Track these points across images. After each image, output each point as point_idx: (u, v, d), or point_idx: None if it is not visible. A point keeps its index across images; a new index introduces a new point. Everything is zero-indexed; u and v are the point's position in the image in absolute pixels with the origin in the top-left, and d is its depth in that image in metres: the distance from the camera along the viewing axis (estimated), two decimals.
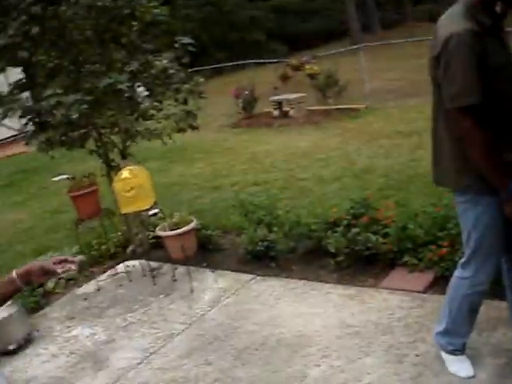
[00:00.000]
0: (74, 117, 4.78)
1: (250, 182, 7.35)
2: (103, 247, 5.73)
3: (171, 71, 5.33)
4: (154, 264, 5.13)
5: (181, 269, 4.96)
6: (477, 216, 2.73)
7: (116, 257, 5.63)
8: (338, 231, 4.48)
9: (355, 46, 14.10)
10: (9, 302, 4.36)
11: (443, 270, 3.89)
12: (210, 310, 4.29)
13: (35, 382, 3.95)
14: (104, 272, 5.39)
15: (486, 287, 2.86)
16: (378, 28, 29.37)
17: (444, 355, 3.09)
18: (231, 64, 17.62)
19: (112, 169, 5.42)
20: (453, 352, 3.05)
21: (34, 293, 5.14)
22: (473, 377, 2.98)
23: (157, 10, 5.34)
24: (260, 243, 4.77)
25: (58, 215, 7.71)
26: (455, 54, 2.50)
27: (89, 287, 5.21)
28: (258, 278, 4.61)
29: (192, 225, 4.79)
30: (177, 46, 5.38)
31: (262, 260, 4.80)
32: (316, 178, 7.05)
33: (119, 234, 5.62)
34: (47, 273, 2.05)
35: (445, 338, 3.05)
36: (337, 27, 29.14)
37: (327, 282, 4.30)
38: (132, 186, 4.60)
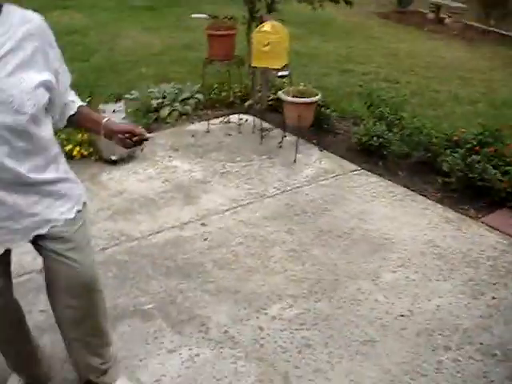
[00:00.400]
0: None
1: (381, 76, 7.06)
2: (223, 94, 5.77)
3: None
4: (266, 124, 5.14)
5: (290, 138, 4.94)
6: None
7: (232, 107, 5.66)
8: (458, 152, 4.28)
9: None
10: (122, 115, 4.57)
11: None
12: (306, 185, 4.30)
13: (127, 194, 4.18)
14: (217, 117, 5.45)
15: None
16: None
17: None
18: None
19: (254, 19, 5.32)
20: None
21: (147, 115, 5.32)
22: None
23: None
24: (375, 138, 4.64)
25: (188, 50, 7.77)
26: None
27: (199, 127, 5.32)
28: (362, 170, 4.54)
29: (315, 98, 4.69)
30: None
31: (372, 155, 4.70)
32: (451, 94, 6.66)
33: (242, 85, 5.60)
34: (133, 135, 2.09)
35: None
36: None
37: (428, 198, 4.18)
38: (270, 40, 4.50)
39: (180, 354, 2.72)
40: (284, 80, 5.50)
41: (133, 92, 5.75)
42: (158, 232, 3.70)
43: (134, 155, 4.69)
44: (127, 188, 4.26)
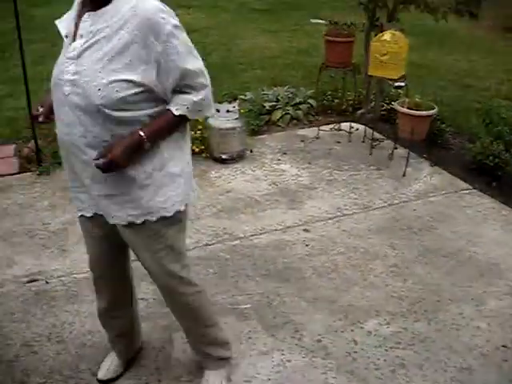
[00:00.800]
0: None
1: (502, 93, 6.74)
2: (336, 100, 5.74)
3: None
4: (377, 135, 5.06)
5: (401, 150, 4.83)
6: None
7: (344, 114, 5.62)
8: None
9: None
10: (236, 116, 4.66)
11: None
12: (413, 200, 4.19)
13: (233, 193, 4.26)
14: (327, 124, 5.43)
15: None
16: None
17: None
18: None
19: (373, 28, 5.25)
20: None
21: (260, 117, 5.39)
22: None
23: None
24: (491, 158, 4.44)
25: (304, 55, 7.79)
26: None
27: (309, 132, 5.33)
28: (474, 190, 4.35)
29: (431, 112, 4.55)
30: None
31: (486, 175, 4.50)
32: None
33: (356, 93, 5.55)
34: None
35: None
36: None
37: None
38: (388, 50, 4.42)
39: (272, 357, 2.74)
40: (399, 91, 5.40)
41: (247, 93, 5.84)
42: (260, 233, 3.74)
43: (244, 155, 4.77)
44: (234, 187, 4.34)
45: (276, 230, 3.79)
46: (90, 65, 1.83)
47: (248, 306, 3.07)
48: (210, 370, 2.52)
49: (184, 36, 1.92)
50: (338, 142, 5.13)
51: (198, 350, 2.52)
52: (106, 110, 1.82)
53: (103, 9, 1.85)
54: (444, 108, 5.55)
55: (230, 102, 4.68)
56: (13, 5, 4.19)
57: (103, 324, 2.52)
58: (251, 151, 4.86)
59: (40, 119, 2.12)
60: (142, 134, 1.89)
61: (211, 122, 4.65)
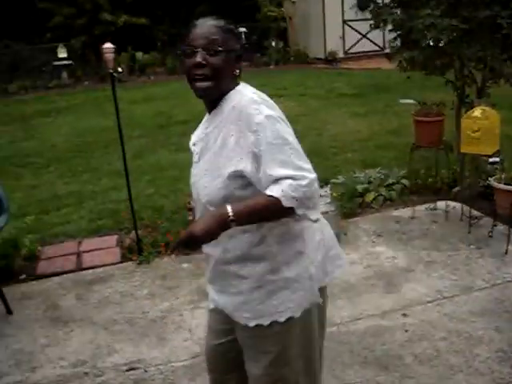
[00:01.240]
0: (442, 41, 4.67)
1: None
2: (430, 179, 5.65)
3: None
4: (474, 212, 4.90)
5: (501, 227, 4.65)
6: None
7: (439, 193, 5.51)
8: None
9: None
10: (328, 200, 4.68)
11: None
12: None
13: None
14: (422, 204, 5.34)
15: None
16: None
17: None
18: None
19: (463, 104, 5.21)
20: None
21: (352, 200, 5.39)
22: None
23: None
24: None
25: (394, 136, 7.81)
26: None
27: (404, 212, 5.25)
28: None
29: None
30: None
31: None
32: None
33: (449, 171, 5.46)
34: None
35: None
36: None
37: None
38: (480, 126, 4.36)
39: None
40: (495, 166, 5.26)
41: (339, 177, 5.89)
42: (357, 319, 3.66)
43: (339, 239, 4.73)
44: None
45: (373, 315, 3.70)
46: (202, 165, 1.98)
47: None
48: None
49: (278, 127, 1.83)
50: (435, 222, 5.01)
51: None
52: (211, 208, 1.91)
53: (214, 111, 1.98)
54: None
55: (322, 187, 4.73)
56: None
57: None
58: (345, 234, 4.83)
59: None
60: (229, 209, 1.79)
61: None
